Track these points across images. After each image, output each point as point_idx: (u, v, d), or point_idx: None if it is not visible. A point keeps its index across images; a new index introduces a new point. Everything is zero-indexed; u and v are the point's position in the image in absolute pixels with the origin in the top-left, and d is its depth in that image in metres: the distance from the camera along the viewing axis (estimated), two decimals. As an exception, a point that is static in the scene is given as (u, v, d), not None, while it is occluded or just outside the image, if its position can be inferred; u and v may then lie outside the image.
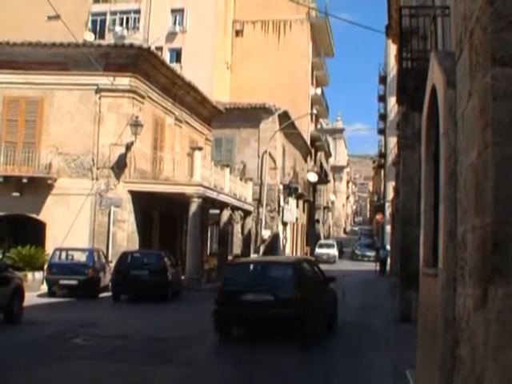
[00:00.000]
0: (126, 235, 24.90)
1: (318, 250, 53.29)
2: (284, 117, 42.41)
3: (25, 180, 24.09)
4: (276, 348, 12.20)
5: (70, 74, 24.99)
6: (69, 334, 13.56)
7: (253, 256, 37.34)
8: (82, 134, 24.95)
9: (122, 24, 49.69)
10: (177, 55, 48.48)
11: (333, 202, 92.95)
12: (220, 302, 13.21)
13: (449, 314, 5.70)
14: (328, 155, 77.67)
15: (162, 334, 13.97)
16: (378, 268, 39.38)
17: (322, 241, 61.46)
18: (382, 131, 66.14)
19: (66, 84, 24.98)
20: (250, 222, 37.65)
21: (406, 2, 15.69)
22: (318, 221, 69.06)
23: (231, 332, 13.71)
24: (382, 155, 64.92)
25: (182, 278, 24.84)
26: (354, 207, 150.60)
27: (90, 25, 49.52)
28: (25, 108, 25.08)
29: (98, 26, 49.99)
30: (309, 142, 56.26)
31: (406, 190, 17.11)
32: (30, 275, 21.94)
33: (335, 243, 56.85)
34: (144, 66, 25.81)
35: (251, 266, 14.73)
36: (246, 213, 36.50)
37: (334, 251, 53.63)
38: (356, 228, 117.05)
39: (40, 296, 21.27)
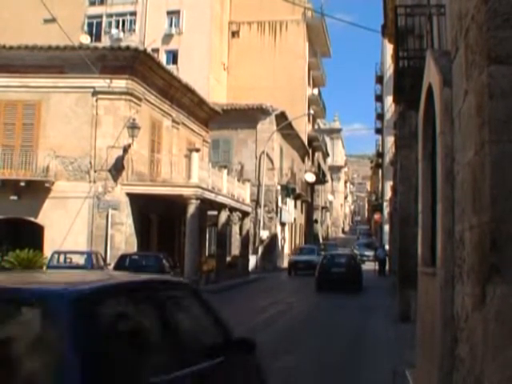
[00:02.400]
0: (124, 238, 24.86)
1: (293, 257, 40.34)
2: (281, 117, 42.44)
3: (22, 183, 24.04)
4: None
5: (67, 76, 24.96)
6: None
7: (252, 257, 37.42)
8: (79, 136, 24.91)
9: (118, 26, 49.72)
10: (173, 57, 48.51)
11: (331, 202, 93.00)
12: (319, 272, 27.80)
13: (447, 313, 5.70)
14: (325, 155, 77.71)
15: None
16: (376, 268, 39.38)
17: (302, 245, 50.71)
18: (379, 131, 66.19)
19: (63, 87, 24.94)
20: (248, 223, 37.62)
21: (402, 1, 15.68)
22: (316, 221, 69.08)
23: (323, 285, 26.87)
24: (380, 155, 64.97)
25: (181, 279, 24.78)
26: (352, 207, 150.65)
27: (86, 27, 49.58)
28: (22, 111, 25.04)
29: (94, 28, 50.02)
30: (306, 143, 56.31)
31: (404, 190, 17.12)
32: (28, 279, 21.87)
33: (315, 248, 43.29)
34: (140, 68, 25.78)
35: (334, 255, 30.73)
36: (244, 214, 36.47)
37: (315, 258, 37.00)
38: (354, 228, 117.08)
39: (39, 299, 21.21)
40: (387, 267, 37.91)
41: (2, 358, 3.28)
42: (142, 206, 25.94)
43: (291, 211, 47.52)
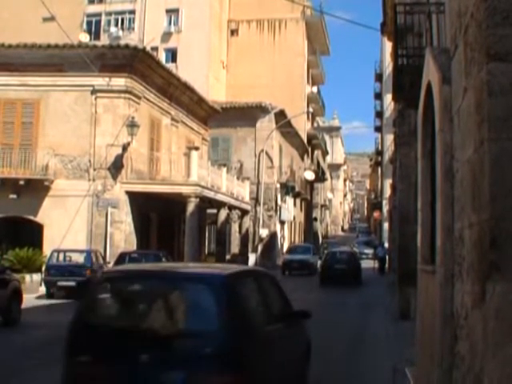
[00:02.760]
0: (123, 236, 24.87)
1: (287, 256, 37.97)
2: (280, 115, 42.42)
3: (22, 182, 24.05)
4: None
5: (66, 75, 24.96)
6: (67, 335, 13.53)
7: (251, 255, 37.41)
8: (78, 135, 24.91)
9: (117, 25, 49.68)
10: (172, 55, 48.48)
11: (330, 200, 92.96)
12: (322, 268, 30.47)
13: (447, 310, 5.70)
14: (325, 153, 77.69)
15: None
16: (376, 266, 39.37)
17: (297, 244, 48.87)
18: (378, 129, 66.24)
19: (62, 85, 24.93)
20: (247, 222, 37.65)
21: (401, -1, 15.67)
22: (315, 219, 69.06)
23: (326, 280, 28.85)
24: (379, 153, 64.99)
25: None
26: (352, 205, 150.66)
27: (85, 26, 49.54)
28: (21, 110, 25.03)
29: (93, 26, 49.99)
30: (305, 141, 56.30)
31: (403, 187, 17.11)
32: (27, 277, 21.90)
33: (311, 247, 41.02)
34: (139, 66, 25.77)
35: (336, 253, 32.54)
36: (244, 212, 36.49)
37: (311, 257, 37.17)
38: (354, 226, 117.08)
39: (38, 298, 21.23)
40: (387, 265, 37.88)
41: (184, 310, 6.22)
42: (142, 204, 25.95)
43: (290, 209, 47.52)
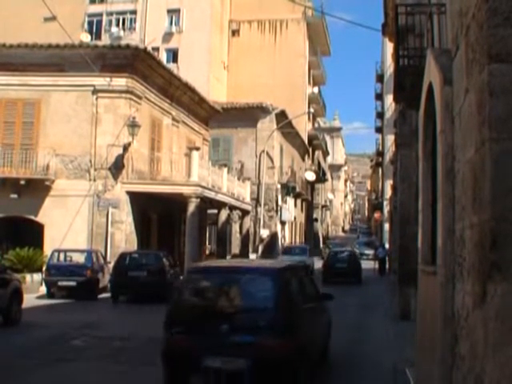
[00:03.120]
0: (124, 236, 24.87)
1: (282, 258, 32.97)
2: (281, 116, 42.41)
3: (22, 182, 24.05)
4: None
5: (67, 75, 24.96)
6: (68, 335, 13.55)
7: (252, 255, 37.38)
8: (79, 135, 24.92)
9: (118, 25, 49.69)
10: (173, 55, 48.49)
11: (331, 201, 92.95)
12: (325, 267, 31.48)
13: (448, 311, 5.70)
14: (326, 154, 77.69)
15: (162, 335, 13.93)
16: (376, 266, 39.32)
17: (292, 245, 46.12)
18: (379, 129, 66.22)
19: (63, 85, 24.94)
20: (248, 222, 37.63)
21: (402, 0, 15.68)
22: (316, 220, 69.06)
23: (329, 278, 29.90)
24: (380, 153, 64.97)
25: (181, 278, 24.80)
26: (352, 206, 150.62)
27: (86, 26, 49.56)
28: (22, 110, 25.04)
29: (95, 26, 50.00)
30: (306, 141, 56.30)
31: (404, 188, 17.10)
32: (28, 277, 21.91)
33: (307, 248, 38.73)
34: (140, 66, 25.78)
35: (338, 252, 33.96)
36: (244, 212, 36.48)
37: (307, 259, 32.69)
38: (354, 226, 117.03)
39: (39, 298, 21.25)
40: (387, 266, 37.83)
41: (250, 294, 8.48)
42: (142, 204, 25.95)
43: (291, 210, 47.49)
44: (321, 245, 67.28)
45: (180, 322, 8.43)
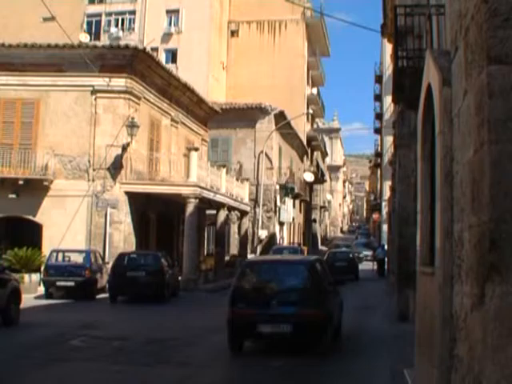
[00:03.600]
0: (122, 236, 24.86)
1: None
2: (280, 117, 42.41)
3: (21, 182, 24.03)
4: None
5: (66, 75, 24.96)
6: (66, 335, 13.54)
7: (251, 256, 37.35)
8: (78, 135, 24.92)
9: (117, 25, 49.64)
10: (172, 56, 48.46)
11: (329, 202, 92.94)
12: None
13: (446, 312, 5.70)
14: (324, 155, 77.68)
15: (160, 335, 13.96)
16: (375, 267, 39.28)
17: (281, 246, 40.71)
18: (378, 130, 66.16)
19: (62, 85, 24.94)
20: (246, 223, 37.61)
21: (401, 1, 15.67)
22: (314, 220, 69.06)
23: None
24: (379, 154, 64.89)
25: (179, 278, 24.82)
26: (351, 207, 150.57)
27: (85, 26, 49.46)
28: (21, 109, 25.03)
29: (94, 27, 49.95)
30: (305, 142, 56.30)
31: (403, 189, 17.11)
32: (26, 277, 21.89)
33: (299, 249, 36.69)
34: (139, 66, 25.78)
35: (337, 253, 36.12)
36: (243, 213, 36.48)
37: None
38: (353, 227, 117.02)
39: (37, 298, 21.25)
40: (386, 266, 37.74)
41: (292, 277, 12.26)
42: (141, 204, 25.96)
43: (290, 210, 47.46)
44: (319, 245, 67.32)
45: (240, 299, 11.49)
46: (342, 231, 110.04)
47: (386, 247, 40.95)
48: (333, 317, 12.02)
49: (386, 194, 50.92)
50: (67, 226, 24.26)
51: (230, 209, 33.43)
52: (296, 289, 11.87)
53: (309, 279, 11.83)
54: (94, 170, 24.81)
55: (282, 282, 12.01)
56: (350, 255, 36.56)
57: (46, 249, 23.41)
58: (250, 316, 11.18)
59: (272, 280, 11.89)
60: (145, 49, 26.14)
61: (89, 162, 24.86)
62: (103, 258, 23.73)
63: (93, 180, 24.81)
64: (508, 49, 4.09)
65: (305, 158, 58.79)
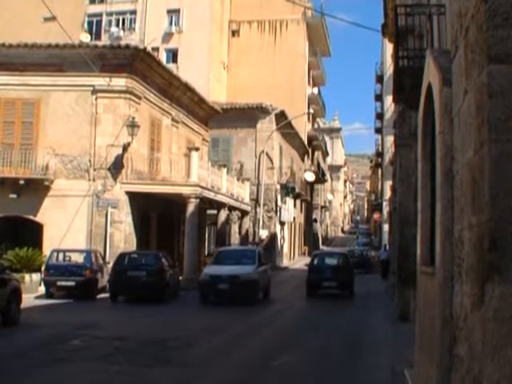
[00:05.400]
0: (123, 236, 24.87)
1: (209, 270, 21.99)
2: (281, 116, 42.41)
3: (22, 181, 24.04)
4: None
5: (66, 75, 24.96)
6: (67, 335, 13.54)
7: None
8: (78, 135, 24.92)
9: (118, 25, 49.67)
10: (173, 56, 48.49)
11: (330, 202, 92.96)
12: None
13: (446, 312, 5.69)
14: (325, 154, 77.70)
15: (161, 335, 13.96)
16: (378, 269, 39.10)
17: (230, 247, 31.41)
18: (378, 130, 66.20)
19: (63, 85, 24.94)
20: (247, 222, 37.63)
21: (402, 1, 15.66)
22: (315, 220, 69.05)
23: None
24: (379, 154, 64.92)
25: (180, 278, 24.82)
26: (352, 206, 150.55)
27: (86, 26, 49.52)
28: (21, 109, 25.03)
29: (94, 26, 49.98)
30: (306, 142, 56.30)
31: (403, 189, 17.11)
32: (27, 277, 21.89)
33: (256, 252, 24.05)
34: (140, 66, 25.78)
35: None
36: (244, 213, 36.49)
37: (252, 271, 21.70)
38: (354, 227, 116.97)
39: (37, 298, 21.25)
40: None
41: (338, 261, 27.02)
42: (142, 204, 25.95)
43: (291, 210, 47.48)
44: (320, 245, 67.32)
45: (312, 271, 24.82)
46: (342, 231, 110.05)
47: (387, 247, 40.86)
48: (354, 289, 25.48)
49: (387, 193, 50.91)
50: (68, 226, 24.26)
51: (231, 208, 33.44)
52: (341, 267, 25.87)
53: (348, 263, 26.58)
54: (94, 169, 24.81)
55: (334, 262, 26.57)
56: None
57: (47, 249, 23.42)
58: (318, 279, 24.68)
59: (329, 263, 26.63)
60: (145, 48, 26.14)
61: (89, 161, 24.87)
62: (104, 258, 23.74)
63: (93, 180, 24.82)
64: (508, 48, 4.09)
65: (305, 157, 58.80)
